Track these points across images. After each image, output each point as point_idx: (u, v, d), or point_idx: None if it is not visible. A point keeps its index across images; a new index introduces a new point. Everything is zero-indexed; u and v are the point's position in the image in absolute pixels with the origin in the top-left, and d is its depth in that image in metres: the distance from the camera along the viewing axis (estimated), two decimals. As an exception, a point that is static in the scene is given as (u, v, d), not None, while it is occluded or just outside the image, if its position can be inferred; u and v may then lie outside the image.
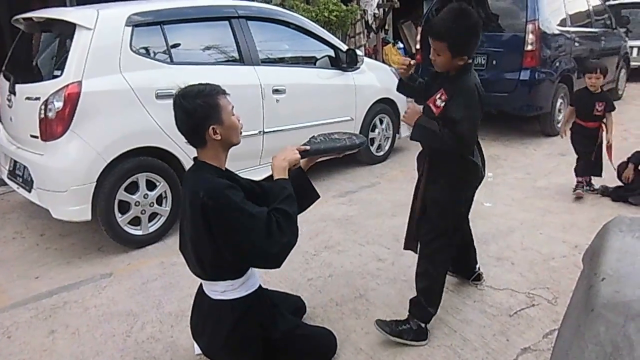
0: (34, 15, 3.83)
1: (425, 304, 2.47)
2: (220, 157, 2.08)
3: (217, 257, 2.02)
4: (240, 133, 2.11)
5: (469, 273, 2.96)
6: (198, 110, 1.94)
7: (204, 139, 2.00)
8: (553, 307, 2.73)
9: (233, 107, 2.06)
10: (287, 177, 2.14)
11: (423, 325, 2.48)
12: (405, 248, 2.69)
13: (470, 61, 2.32)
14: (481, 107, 2.31)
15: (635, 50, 9.98)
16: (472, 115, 2.26)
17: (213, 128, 1.97)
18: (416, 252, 2.58)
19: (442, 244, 2.45)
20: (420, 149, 2.59)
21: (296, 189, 2.14)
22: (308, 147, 2.28)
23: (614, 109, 4.17)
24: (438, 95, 2.31)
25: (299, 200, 2.14)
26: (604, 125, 4.22)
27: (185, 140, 2.07)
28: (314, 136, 2.38)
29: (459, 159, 2.37)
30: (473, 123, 2.27)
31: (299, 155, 2.22)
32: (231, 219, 1.92)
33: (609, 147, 4.26)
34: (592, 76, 4.14)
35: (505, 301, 2.81)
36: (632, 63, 9.27)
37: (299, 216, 2.11)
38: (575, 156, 4.41)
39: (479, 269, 2.99)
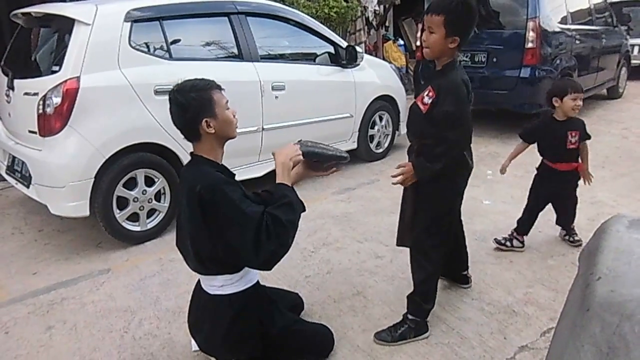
0: (32, 10, 3.82)
1: (421, 301, 2.48)
2: (216, 151, 2.08)
3: (215, 251, 2.02)
4: (236, 127, 2.10)
5: (459, 276, 2.92)
6: (192, 104, 1.97)
7: (199, 133, 2.02)
8: (551, 306, 2.72)
9: (227, 101, 2.07)
10: (290, 181, 2.09)
11: (420, 319, 2.48)
12: (399, 244, 2.63)
13: (459, 55, 2.29)
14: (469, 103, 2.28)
15: (636, 49, 9.98)
16: (462, 111, 2.21)
17: (206, 121, 1.99)
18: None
19: (436, 241, 2.43)
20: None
21: None
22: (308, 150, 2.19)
23: (589, 137, 3.25)
24: (426, 92, 2.26)
25: None
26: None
27: (183, 136, 2.08)
28: (301, 140, 2.27)
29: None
30: (462, 117, 2.22)
31: (302, 157, 2.15)
32: (225, 214, 1.92)
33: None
34: (578, 96, 3.11)
35: (504, 299, 2.81)
36: (633, 61, 9.29)
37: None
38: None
39: (468, 272, 2.93)
